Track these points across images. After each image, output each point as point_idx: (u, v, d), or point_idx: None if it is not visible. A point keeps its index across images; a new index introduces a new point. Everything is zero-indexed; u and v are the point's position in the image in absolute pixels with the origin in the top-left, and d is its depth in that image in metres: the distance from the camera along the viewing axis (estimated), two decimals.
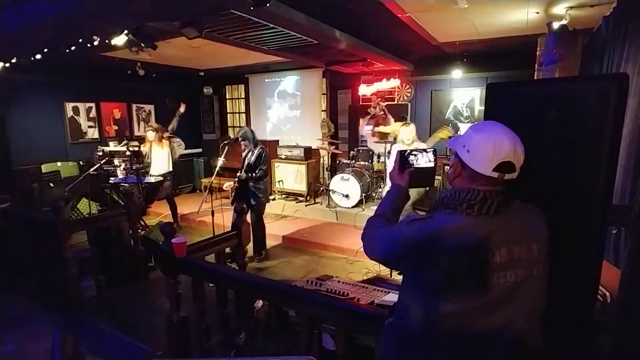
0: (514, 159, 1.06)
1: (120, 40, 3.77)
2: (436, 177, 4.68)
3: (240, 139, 4.44)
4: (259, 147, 4.44)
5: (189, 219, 6.28)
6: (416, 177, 1.37)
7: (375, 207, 5.55)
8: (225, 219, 4.28)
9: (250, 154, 4.42)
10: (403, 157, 1.38)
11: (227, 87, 8.97)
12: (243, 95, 8.82)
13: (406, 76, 6.93)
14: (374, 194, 6.09)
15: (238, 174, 4.41)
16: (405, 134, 4.24)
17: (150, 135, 5.53)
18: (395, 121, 6.47)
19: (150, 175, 5.41)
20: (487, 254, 1.04)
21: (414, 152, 1.38)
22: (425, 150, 1.39)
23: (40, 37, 3.85)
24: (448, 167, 1.28)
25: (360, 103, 7.33)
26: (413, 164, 1.37)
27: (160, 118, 8.13)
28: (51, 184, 5.91)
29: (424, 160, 1.38)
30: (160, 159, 5.54)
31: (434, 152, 1.39)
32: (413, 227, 1.12)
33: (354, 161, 6.13)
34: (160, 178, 5.46)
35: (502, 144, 1.05)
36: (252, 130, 4.53)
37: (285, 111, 8.18)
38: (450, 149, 1.21)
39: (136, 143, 6.22)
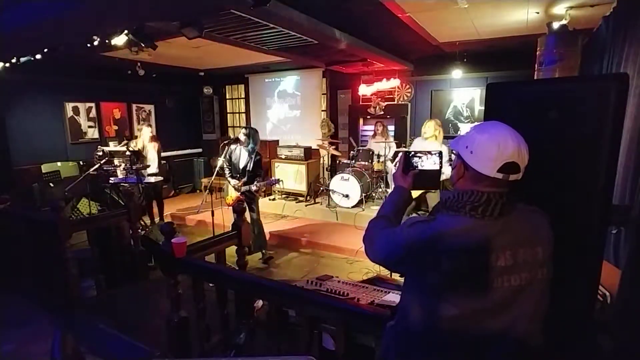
0: (519, 160, 1.04)
1: (120, 40, 3.77)
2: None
3: (244, 135, 4.21)
4: (256, 152, 4.26)
5: (189, 218, 6.28)
6: (421, 179, 1.34)
7: (375, 207, 5.55)
8: (225, 219, 4.28)
9: (248, 158, 4.24)
10: (407, 158, 1.36)
11: (227, 87, 8.97)
12: (243, 95, 8.82)
13: (406, 76, 6.93)
14: (374, 194, 6.09)
15: (253, 189, 4.20)
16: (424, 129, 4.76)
17: (147, 131, 5.55)
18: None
19: (149, 175, 5.42)
20: (490, 257, 1.02)
21: (418, 154, 1.35)
22: (430, 152, 1.35)
23: (40, 37, 3.85)
24: (450, 168, 1.26)
25: (360, 103, 7.33)
26: (417, 166, 1.35)
27: (160, 118, 8.16)
28: (51, 184, 5.91)
29: (429, 163, 1.34)
30: (152, 158, 5.58)
31: (440, 155, 1.35)
32: (415, 230, 1.10)
33: (354, 161, 6.13)
34: (160, 178, 5.47)
35: (507, 145, 1.03)
36: (257, 132, 4.35)
37: (285, 111, 8.18)
38: (453, 150, 1.20)
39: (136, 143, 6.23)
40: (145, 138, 5.61)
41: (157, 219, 5.79)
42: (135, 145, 5.55)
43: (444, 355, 1.10)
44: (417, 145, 5.13)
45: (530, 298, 1.06)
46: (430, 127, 4.81)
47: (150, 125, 5.73)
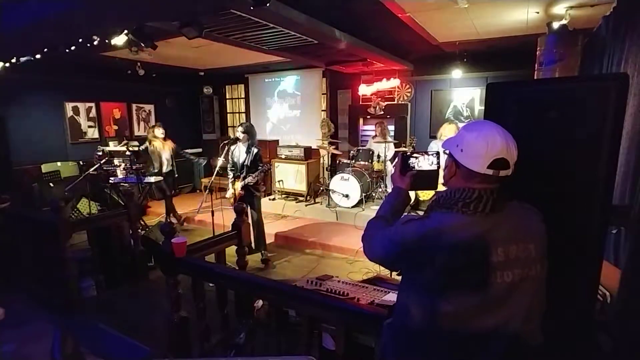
0: (507, 156, 1.07)
1: (120, 40, 3.77)
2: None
3: (242, 132, 4.25)
4: (254, 146, 4.30)
5: (189, 218, 6.27)
6: (418, 180, 1.35)
7: (375, 207, 5.51)
8: (225, 219, 4.28)
9: (246, 153, 4.28)
10: (404, 159, 1.37)
11: (227, 87, 8.98)
12: (243, 95, 8.82)
13: (406, 76, 6.93)
14: (374, 194, 6.09)
15: (247, 181, 4.22)
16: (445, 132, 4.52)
17: (160, 133, 5.59)
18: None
19: (163, 174, 5.51)
20: (483, 253, 1.04)
21: (414, 155, 1.36)
22: (427, 152, 1.36)
23: (40, 37, 3.85)
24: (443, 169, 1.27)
25: (360, 103, 7.32)
26: (414, 167, 1.36)
27: (160, 118, 8.15)
28: (51, 184, 5.91)
29: (426, 163, 1.35)
30: (166, 158, 5.64)
31: (437, 155, 1.36)
32: (409, 227, 1.12)
33: (354, 161, 6.13)
34: (160, 178, 5.48)
35: (495, 141, 1.06)
36: (253, 127, 4.41)
37: (285, 111, 8.17)
38: (444, 149, 1.21)
39: (136, 143, 6.23)
40: (159, 139, 5.65)
41: (162, 218, 5.82)
42: (150, 145, 5.56)
43: (441, 352, 1.10)
44: (433, 147, 5.04)
45: (525, 295, 1.07)
46: (451, 130, 4.55)
47: (161, 127, 5.76)
